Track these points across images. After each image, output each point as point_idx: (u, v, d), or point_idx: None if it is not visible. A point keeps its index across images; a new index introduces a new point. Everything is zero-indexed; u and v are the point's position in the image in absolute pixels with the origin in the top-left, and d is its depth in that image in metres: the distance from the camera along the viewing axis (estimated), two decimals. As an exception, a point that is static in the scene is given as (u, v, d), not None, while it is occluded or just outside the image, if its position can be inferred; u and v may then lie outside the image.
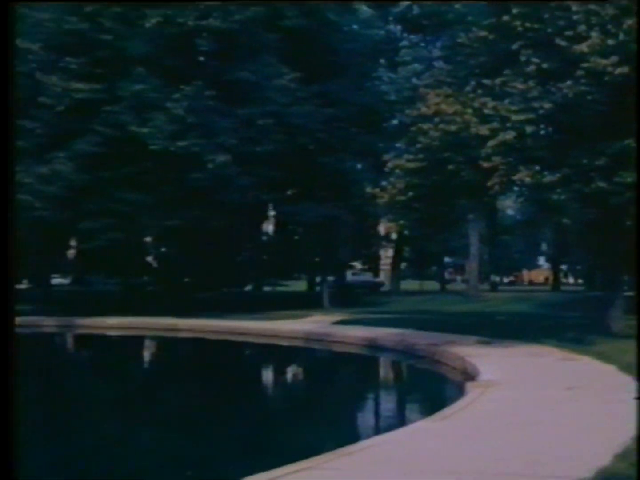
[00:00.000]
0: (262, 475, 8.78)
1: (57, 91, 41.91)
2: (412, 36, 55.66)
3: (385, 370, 28.91)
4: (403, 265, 78.32)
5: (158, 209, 41.84)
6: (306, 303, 44.81)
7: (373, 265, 72.96)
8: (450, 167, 25.47)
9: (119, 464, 12.93)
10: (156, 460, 13.12)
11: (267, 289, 61.23)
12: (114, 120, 41.38)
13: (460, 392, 16.28)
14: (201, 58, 43.84)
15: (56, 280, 68.36)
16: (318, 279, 62.91)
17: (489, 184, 24.52)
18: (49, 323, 42.41)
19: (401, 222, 39.63)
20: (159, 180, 41.85)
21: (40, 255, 53.30)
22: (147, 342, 38.22)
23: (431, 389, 22.12)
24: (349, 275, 69.02)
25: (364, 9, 52.33)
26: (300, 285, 66.06)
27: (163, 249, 54.91)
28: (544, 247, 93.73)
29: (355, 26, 50.62)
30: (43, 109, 42.53)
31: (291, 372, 30.25)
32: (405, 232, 58.70)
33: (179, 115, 40.06)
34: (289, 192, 45.12)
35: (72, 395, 22.75)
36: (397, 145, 37.86)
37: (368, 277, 77.18)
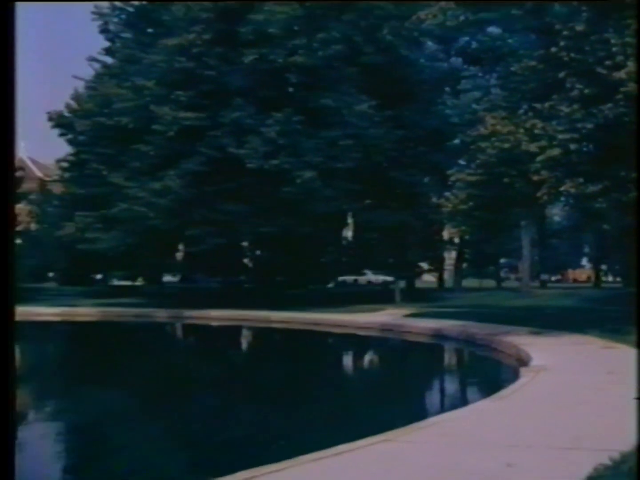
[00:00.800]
0: (344, 446, 8.81)
1: (168, 119, 42.40)
2: (471, 67, 55.35)
3: (449, 357, 28.74)
4: (464, 265, 77.73)
5: (254, 218, 42.11)
6: (380, 298, 44.62)
7: (438, 265, 72.31)
8: (505, 180, 25.38)
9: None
10: (263, 428, 13.26)
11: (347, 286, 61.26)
12: (216, 143, 41.78)
13: (515, 375, 16.15)
14: (290, 89, 44.07)
15: (167, 278, 69.13)
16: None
17: (539, 194, 24.38)
18: (161, 314, 42.85)
19: (463, 227, 39.39)
20: (255, 193, 42.12)
21: (154, 257, 53.91)
22: (245, 331, 38.44)
23: (490, 373, 21.97)
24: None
25: (429, 44, 52.27)
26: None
27: (258, 252, 55.27)
28: (586, 249, 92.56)
29: (422, 60, 50.56)
30: (156, 135, 43.07)
31: (369, 357, 30.25)
32: (466, 236, 58.34)
33: (271, 138, 40.30)
34: (365, 202, 45.08)
35: (189, 373, 23.02)
36: (459, 161, 37.74)
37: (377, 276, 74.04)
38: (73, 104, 54.22)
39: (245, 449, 11.55)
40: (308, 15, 42.01)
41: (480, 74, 55.46)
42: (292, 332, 35.55)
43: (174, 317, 42.37)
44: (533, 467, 7.88)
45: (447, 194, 30.78)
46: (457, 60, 57.71)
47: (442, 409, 15.53)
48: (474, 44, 55.05)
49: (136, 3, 52.44)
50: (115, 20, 53.02)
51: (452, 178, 28.50)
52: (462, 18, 29.10)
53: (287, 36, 41.83)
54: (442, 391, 20.81)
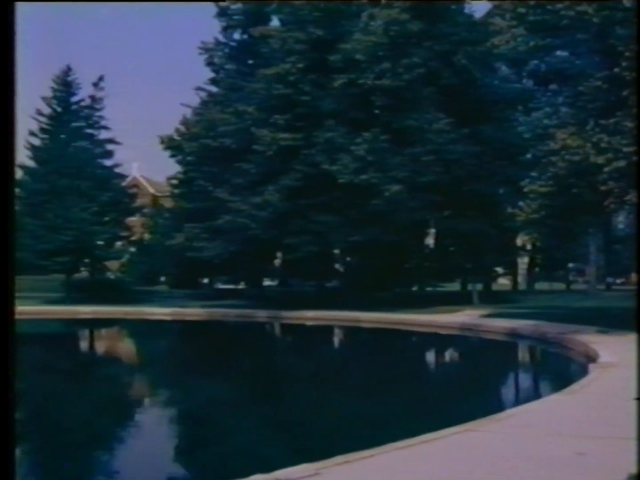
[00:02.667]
0: (428, 435, 8.88)
1: (267, 140, 42.88)
2: (541, 88, 54.67)
3: (524, 353, 28.53)
4: (536, 269, 76.81)
5: (344, 227, 42.26)
6: (459, 300, 44.34)
7: (512, 270, 71.53)
8: (574, 190, 25.18)
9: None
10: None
11: (428, 289, 60.85)
12: (310, 160, 42.11)
13: (584, 371, 15.98)
14: (376, 110, 44.11)
15: (266, 282, 69.50)
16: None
17: (606, 203, 24.12)
18: (261, 315, 43.27)
19: (535, 235, 39.09)
20: (345, 205, 42.29)
21: (254, 263, 54.38)
22: (337, 330, 38.62)
23: (560, 369, 21.77)
24: None
25: (503, 68, 51.80)
26: (454, 286, 65.46)
27: (348, 259, 55.33)
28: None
29: (496, 82, 50.11)
30: (256, 155, 43.63)
31: (451, 354, 30.22)
32: (538, 243, 57.73)
33: (360, 155, 40.41)
34: (445, 213, 44.83)
35: (288, 366, 23.22)
36: (531, 174, 37.33)
37: None
38: (182, 128, 55.19)
39: (340, 436, 11.67)
40: (391, 42, 42.05)
41: (549, 94, 54.70)
42: (379, 330, 35.62)
43: (272, 317, 42.74)
44: (602, 455, 7.88)
45: (520, 203, 30.57)
46: (528, 82, 57.08)
47: (518, 401, 15.44)
48: (543, 67, 54.38)
49: (238, 37, 53.49)
50: (220, 54, 54.10)
51: (525, 189, 28.30)
52: (532, 43, 28.97)
53: (373, 62, 41.96)
54: (517, 385, 20.69)
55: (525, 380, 22.09)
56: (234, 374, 21.17)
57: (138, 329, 41.77)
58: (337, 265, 57.70)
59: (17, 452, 11.88)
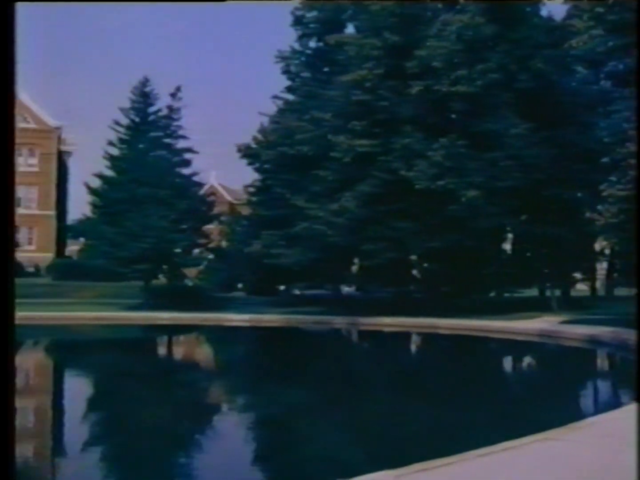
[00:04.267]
0: (509, 443, 8.86)
1: (344, 147, 43.01)
2: (620, 89, 53.68)
3: (603, 361, 28.11)
4: (615, 275, 75.34)
5: (422, 234, 42.16)
6: (538, 306, 43.71)
7: (591, 275, 70.23)
8: (656, 192, 24.66)
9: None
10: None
11: (506, 295, 60.24)
12: (387, 167, 42.12)
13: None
14: (453, 116, 43.95)
15: (344, 289, 69.51)
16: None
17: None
18: (339, 321, 43.34)
19: (614, 240, 38.48)
20: (423, 211, 42.18)
21: (332, 270, 54.47)
22: (414, 337, 38.49)
23: (643, 376, 21.32)
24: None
25: (579, 69, 51.09)
26: (532, 292, 64.65)
27: (425, 265, 55.09)
28: None
29: (574, 84, 49.44)
30: (333, 161, 43.79)
31: (531, 360, 29.97)
32: (617, 248, 56.55)
33: (438, 161, 40.29)
34: (523, 217, 44.37)
35: (369, 373, 23.23)
36: (611, 177, 36.77)
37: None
38: (259, 136, 55.72)
39: (423, 443, 11.67)
40: (466, 48, 41.89)
41: (628, 95, 53.62)
42: (457, 337, 35.45)
43: (350, 323, 42.77)
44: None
45: (599, 208, 30.14)
46: (606, 83, 56.14)
47: (598, 409, 15.21)
48: (622, 67, 53.40)
49: (313, 45, 53.88)
50: (296, 62, 54.58)
51: (604, 193, 27.95)
52: (610, 44, 28.61)
53: (449, 68, 41.83)
54: (597, 393, 20.38)
55: (605, 388, 21.76)
56: (316, 380, 21.28)
57: (217, 335, 42.17)
58: (414, 272, 57.52)
59: (128, 450, 12.11)
